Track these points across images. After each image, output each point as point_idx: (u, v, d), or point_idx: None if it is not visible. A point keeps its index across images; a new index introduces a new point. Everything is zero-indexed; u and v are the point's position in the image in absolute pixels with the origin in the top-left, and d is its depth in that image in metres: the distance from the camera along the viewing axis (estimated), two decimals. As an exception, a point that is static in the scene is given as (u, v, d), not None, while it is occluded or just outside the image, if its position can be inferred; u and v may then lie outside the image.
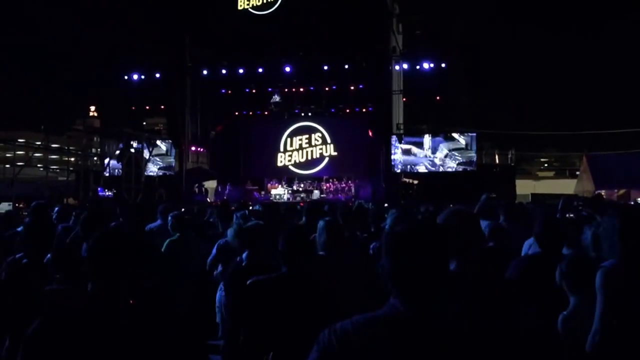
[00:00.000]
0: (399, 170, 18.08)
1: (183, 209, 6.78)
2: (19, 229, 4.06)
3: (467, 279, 1.75)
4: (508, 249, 3.54)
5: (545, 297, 2.32)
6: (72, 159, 20.22)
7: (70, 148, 18.98)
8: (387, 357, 1.17)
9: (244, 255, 3.02)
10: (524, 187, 21.20)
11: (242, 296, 2.41)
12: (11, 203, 13.68)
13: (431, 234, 1.31)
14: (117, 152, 16.69)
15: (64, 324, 1.47)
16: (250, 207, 7.48)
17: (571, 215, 5.43)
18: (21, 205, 13.18)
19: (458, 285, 1.71)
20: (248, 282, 2.37)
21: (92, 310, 1.51)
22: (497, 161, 20.23)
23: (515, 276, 2.59)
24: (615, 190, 19.30)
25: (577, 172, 24.75)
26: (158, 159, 20.02)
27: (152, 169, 19.61)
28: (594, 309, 2.12)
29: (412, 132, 18.86)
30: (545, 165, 48.07)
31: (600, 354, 2.02)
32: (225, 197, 18.32)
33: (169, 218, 4.66)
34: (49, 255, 2.93)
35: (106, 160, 17.90)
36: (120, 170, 16.50)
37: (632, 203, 15.15)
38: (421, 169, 18.05)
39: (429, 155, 17.98)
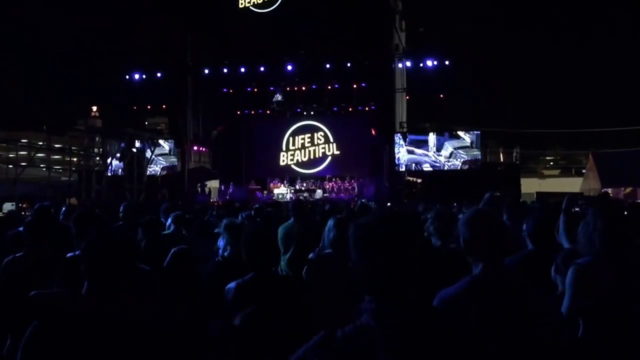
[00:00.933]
0: (403, 169, 18.01)
1: (183, 209, 6.77)
2: (21, 228, 4.02)
3: (492, 283, 1.71)
4: (512, 248, 3.49)
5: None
6: (75, 159, 20.26)
7: (73, 148, 19.05)
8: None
9: (226, 253, 3.07)
10: (530, 186, 21.06)
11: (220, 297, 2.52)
12: (14, 203, 13.71)
13: (398, 223, 1.27)
14: (119, 152, 16.74)
15: (61, 325, 1.47)
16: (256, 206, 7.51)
17: (577, 209, 5.36)
18: (24, 206, 13.21)
19: (486, 288, 1.67)
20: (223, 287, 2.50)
21: (88, 310, 1.52)
22: (502, 159, 20.13)
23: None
24: (622, 189, 19.18)
25: (583, 170, 24.67)
26: (161, 159, 20.06)
27: (155, 169, 19.64)
28: None
29: (416, 131, 18.79)
30: (551, 163, 47.79)
31: (564, 349, 1.99)
32: (228, 197, 18.33)
33: (169, 218, 4.61)
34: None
35: (108, 160, 17.93)
36: (122, 170, 16.54)
37: None
38: (426, 167, 17.96)
39: (434, 153, 17.89)
